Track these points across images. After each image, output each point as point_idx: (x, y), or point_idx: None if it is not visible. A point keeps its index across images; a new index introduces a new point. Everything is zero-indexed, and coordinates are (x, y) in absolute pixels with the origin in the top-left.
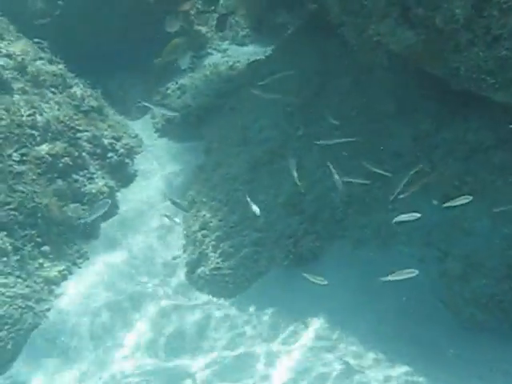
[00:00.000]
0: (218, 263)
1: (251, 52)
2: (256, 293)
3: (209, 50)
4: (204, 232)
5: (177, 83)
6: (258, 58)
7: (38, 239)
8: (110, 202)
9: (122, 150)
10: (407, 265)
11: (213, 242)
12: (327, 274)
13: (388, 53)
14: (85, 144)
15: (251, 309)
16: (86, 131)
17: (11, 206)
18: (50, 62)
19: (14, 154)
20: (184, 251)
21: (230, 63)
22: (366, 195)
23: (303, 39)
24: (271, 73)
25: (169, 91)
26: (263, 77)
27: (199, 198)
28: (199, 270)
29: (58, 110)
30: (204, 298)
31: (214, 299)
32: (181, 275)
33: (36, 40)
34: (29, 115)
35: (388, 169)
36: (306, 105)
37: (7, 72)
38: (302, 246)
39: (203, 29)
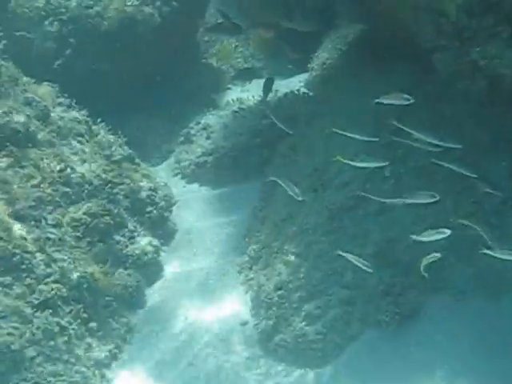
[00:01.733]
0: (301, 328)
1: (275, 85)
2: (350, 360)
3: (226, 85)
4: (281, 292)
5: (200, 123)
6: (287, 90)
7: (85, 314)
8: None
9: (162, 203)
10: None
11: (294, 304)
12: (432, 332)
13: (488, 78)
14: (122, 199)
15: (346, 381)
16: (122, 184)
17: (52, 279)
18: (70, 107)
19: (49, 217)
20: (253, 316)
21: (258, 98)
22: (467, 239)
23: (351, 68)
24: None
25: (192, 132)
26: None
27: (268, 253)
28: (278, 338)
29: (90, 162)
30: (284, 369)
31: (298, 371)
32: (252, 343)
33: (46, 83)
34: (60, 170)
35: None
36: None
37: (31, 122)
38: (401, 304)
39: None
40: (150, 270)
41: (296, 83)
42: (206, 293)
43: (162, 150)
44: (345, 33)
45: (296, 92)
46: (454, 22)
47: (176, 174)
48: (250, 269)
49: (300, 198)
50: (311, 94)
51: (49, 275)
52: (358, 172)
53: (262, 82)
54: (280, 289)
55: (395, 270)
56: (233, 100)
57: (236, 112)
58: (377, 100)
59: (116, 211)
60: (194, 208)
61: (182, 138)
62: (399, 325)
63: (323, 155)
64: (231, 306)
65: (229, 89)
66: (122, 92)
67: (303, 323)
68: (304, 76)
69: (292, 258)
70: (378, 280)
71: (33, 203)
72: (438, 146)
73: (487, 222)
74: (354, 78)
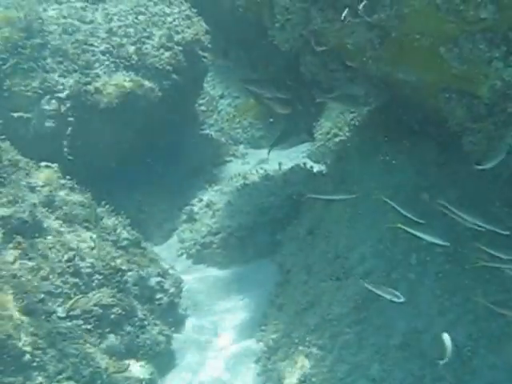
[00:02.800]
0: None
1: (276, 156)
2: None
3: (226, 158)
4: None
5: (202, 200)
6: (291, 163)
7: None
8: None
9: (171, 290)
10: None
11: None
12: None
13: None
14: (131, 287)
15: None
16: (131, 271)
17: (65, 375)
18: (73, 189)
19: (59, 310)
20: None
21: (262, 172)
22: (496, 328)
23: (368, 145)
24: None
25: (195, 209)
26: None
27: (288, 344)
28: None
29: (98, 249)
30: None
31: None
32: None
33: (45, 164)
34: (68, 260)
35: None
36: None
37: (37, 210)
38: None
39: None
40: (162, 360)
41: (298, 154)
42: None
43: (164, 229)
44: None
45: (302, 166)
46: (487, 105)
47: (181, 254)
48: (269, 359)
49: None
50: (323, 170)
51: (61, 372)
52: (382, 260)
53: (262, 152)
54: (303, 382)
55: (423, 362)
56: (236, 175)
57: (239, 189)
58: None
59: (126, 300)
60: (204, 292)
61: (184, 217)
62: None
63: (345, 241)
64: None
65: (229, 161)
66: (122, 169)
67: None
68: (306, 145)
69: (313, 349)
70: (406, 372)
71: (42, 296)
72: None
73: None
74: (373, 156)
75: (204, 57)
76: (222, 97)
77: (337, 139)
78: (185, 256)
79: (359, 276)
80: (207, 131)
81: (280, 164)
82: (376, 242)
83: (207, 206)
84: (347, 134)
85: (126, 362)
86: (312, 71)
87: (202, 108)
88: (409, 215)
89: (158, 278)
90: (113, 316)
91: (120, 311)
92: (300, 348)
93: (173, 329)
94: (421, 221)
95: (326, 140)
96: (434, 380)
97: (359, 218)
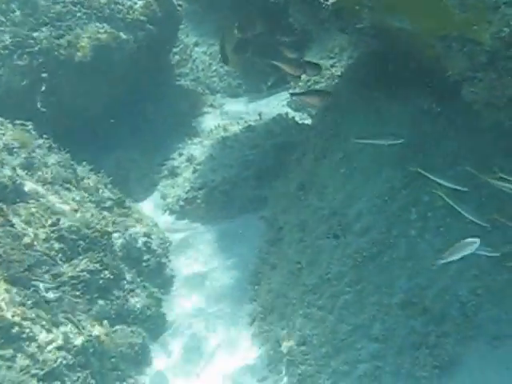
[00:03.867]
0: None
1: (255, 105)
2: None
3: (204, 109)
4: (304, 348)
5: (183, 154)
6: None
7: (92, 381)
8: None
9: (159, 250)
10: None
11: (320, 361)
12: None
13: None
14: (118, 249)
15: None
16: (117, 232)
17: (55, 345)
18: (50, 149)
19: (46, 278)
20: (272, 371)
21: (243, 123)
22: (500, 282)
23: (357, 94)
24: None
25: (176, 164)
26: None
27: (284, 304)
28: None
29: (82, 211)
30: None
31: None
32: None
33: (19, 122)
34: (52, 225)
35: None
36: (410, 179)
37: (18, 180)
38: (438, 356)
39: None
40: (153, 323)
41: (277, 103)
42: (215, 347)
43: (144, 185)
44: (329, 47)
45: (284, 115)
46: (490, 52)
47: (164, 211)
48: (264, 320)
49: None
50: (308, 121)
51: (51, 342)
52: (381, 215)
53: (240, 101)
54: (303, 344)
55: (426, 319)
56: (216, 127)
57: (221, 141)
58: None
59: (114, 264)
60: (189, 249)
61: (165, 172)
62: (438, 379)
63: (341, 197)
64: (245, 361)
65: (207, 113)
66: (98, 125)
67: (330, 380)
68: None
69: (314, 310)
70: (409, 330)
71: (28, 265)
72: None
73: None
74: (365, 105)
75: (179, 5)
76: (196, 45)
77: (318, 87)
78: (168, 212)
79: (357, 233)
80: (183, 81)
81: (260, 114)
82: (374, 197)
83: (188, 160)
84: (330, 82)
85: (117, 327)
86: (301, 21)
87: (177, 57)
88: (449, 185)
89: (145, 239)
90: (101, 281)
91: (108, 275)
92: (298, 309)
93: (162, 290)
94: (463, 188)
95: (306, 88)
96: (438, 337)
97: (355, 173)
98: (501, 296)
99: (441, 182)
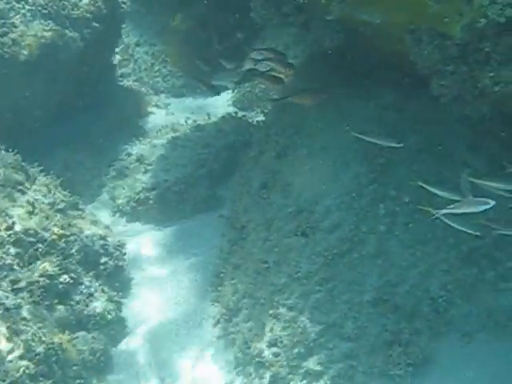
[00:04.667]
0: None
1: (200, 105)
2: None
3: (149, 109)
4: (275, 350)
5: (131, 154)
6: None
7: None
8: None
9: (116, 253)
10: None
11: (292, 362)
12: (446, 382)
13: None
14: (75, 253)
15: None
16: (74, 235)
17: (17, 354)
18: None
19: (3, 284)
20: (239, 374)
21: (191, 122)
22: (469, 276)
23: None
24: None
25: (125, 164)
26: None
27: (251, 305)
28: None
29: (37, 214)
30: None
31: None
32: None
33: None
34: (8, 228)
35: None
36: (378, 173)
37: None
38: (412, 354)
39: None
40: (113, 328)
41: (222, 102)
42: (179, 350)
43: (93, 186)
44: (273, 45)
45: (233, 114)
46: (460, 45)
47: (114, 213)
48: (229, 321)
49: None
50: (260, 119)
51: (12, 351)
52: (349, 212)
53: (185, 101)
54: (274, 345)
55: (398, 316)
56: (164, 127)
57: (171, 141)
58: None
59: (72, 268)
60: (145, 251)
61: (113, 173)
62: (412, 377)
63: (307, 194)
64: (211, 364)
65: (152, 113)
66: (45, 125)
67: (303, 382)
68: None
69: (285, 311)
70: (381, 328)
71: None
72: None
73: (488, 256)
74: (325, 101)
75: (123, 2)
76: (137, 44)
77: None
78: (118, 214)
79: (326, 230)
80: (125, 82)
81: (209, 114)
82: (341, 193)
83: (138, 160)
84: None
85: (78, 334)
86: (263, 16)
87: (118, 57)
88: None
89: (102, 241)
90: (60, 286)
91: (68, 280)
92: (267, 309)
93: (121, 294)
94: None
95: (252, 86)
96: (410, 334)
97: (321, 170)
98: (471, 291)
99: (440, 193)
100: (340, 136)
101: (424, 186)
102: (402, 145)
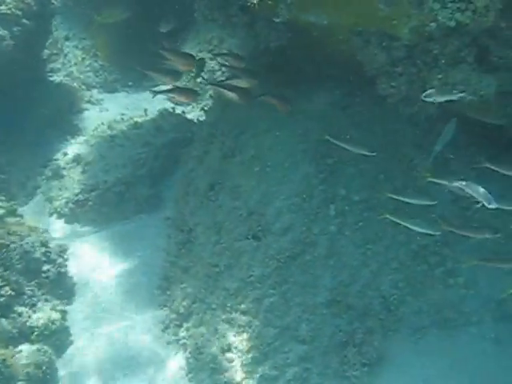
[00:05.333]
0: None
1: (135, 100)
2: None
3: (82, 105)
4: (229, 355)
5: (67, 154)
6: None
7: None
8: None
9: (58, 259)
10: (482, 352)
11: (247, 367)
12: (401, 380)
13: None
14: (16, 262)
15: None
16: (14, 243)
17: None
18: None
19: None
20: (192, 380)
21: (128, 119)
22: (419, 273)
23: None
24: None
25: (61, 164)
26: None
27: (202, 309)
28: None
29: None
30: None
31: None
32: None
33: None
34: None
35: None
36: (327, 173)
37: None
38: (366, 353)
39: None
40: (58, 338)
41: (159, 96)
42: (129, 357)
43: (28, 188)
44: (209, 37)
45: (171, 110)
46: (409, 47)
47: (51, 214)
48: (180, 326)
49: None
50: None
51: None
52: (300, 213)
53: (119, 96)
54: (228, 351)
55: (352, 316)
56: (99, 124)
57: (108, 140)
58: None
59: (13, 279)
60: (87, 255)
61: (49, 173)
62: (368, 377)
63: (257, 196)
64: (161, 371)
65: (86, 109)
66: None
67: None
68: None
69: (238, 315)
70: (335, 329)
71: None
72: None
73: (437, 253)
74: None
75: None
76: (67, 38)
77: (199, 79)
78: (55, 216)
79: (278, 233)
80: (56, 77)
81: (146, 110)
82: (291, 195)
83: (74, 160)
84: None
85: (22, 347)
86: (208, 16)
87: (47, 51)
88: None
89: (43, 249)
90: (2, 299)
91: (9, 292)
92: (220, 314)
93: (65, 301)
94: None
95: (187, 80)
96: (364, 334)
97: (269, 171)
98: (420, 287)
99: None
100: (287, 136)
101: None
102: (374, 154)
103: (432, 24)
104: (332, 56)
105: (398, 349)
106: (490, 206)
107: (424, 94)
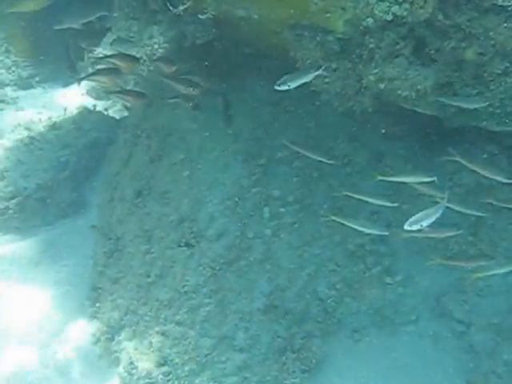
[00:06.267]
0: None
1: (52, 97)
2: None
3: None
4: (166, 369)
5: None
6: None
7: None
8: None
9: None
10: (421, 350)
11: (184, 380)
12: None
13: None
14: None
15: None
16: None
17: None
18: None
19: None
20: None
21: (46, 119)
22: (356, 274)
23: None
24: None
25: None
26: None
27: (134, 322)
28: None
29: None
30: None
31: None
32: None
33: None
34: None
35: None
36: (260, 174)
37: None
38: (305, 359)
39: None
40: None
41: (76, 91)
42: (59, 374)
43: None
44: (125, 26)
45: (91, 108)
46: (344, 40)
47: None
48: (111, 340)
49: None
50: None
51: None
52: (234, 217)
53: (35, 93)
54: (164, 364)
55: (289, 321)
56: (15, 126)
57: (26, 143)
58: None
59: None
60: (9, 264)
61: None
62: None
63: (188, 202)
64: None
65: (0, 110)
66: None
67: None
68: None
69: (173, 327)
70: (273, 335)
71: None
72: None
73: (376, 251)
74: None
75: None
76: None
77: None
78: None
79: (211, 239)
80: None
81: (65, 109)
82: (224, 198)
83: None
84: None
85: None
86: (128, 14)
87: None
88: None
89: None
90: None
91: None
92: (153, 326)
93: None
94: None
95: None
96: (302, 338)
97: (200, 175)
98: (358, 287)
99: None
100: (217, 136)
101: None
102: (332, 162)
103: (368, 20)
104: (263, 51)
105: (337, 352)
106: None
107: (277, 83)
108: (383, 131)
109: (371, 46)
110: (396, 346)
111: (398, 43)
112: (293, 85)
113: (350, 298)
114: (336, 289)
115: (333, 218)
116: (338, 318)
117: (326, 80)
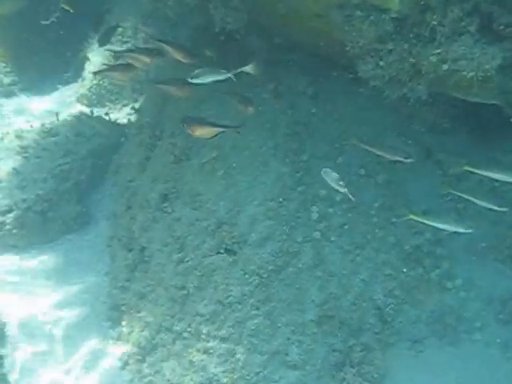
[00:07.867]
0: None
1: (38, 104)
2: None
3: None
4: None
5: None
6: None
7: None
8: None
9: None
10: (489, 360)
11: None
12: None
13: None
14: None
15: None
16: None
17: None
18: None
19: None
20: None
21: (40, 127)
22: (414, 278)
23: None
24: None
25: None
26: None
27: (169, 340)
28: None
29: None
30: None
31: None
32: None
33: None
34: None
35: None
36: (304, 171)
37: None
38: (366, 374)
39: None
40: None
41: (64, 98)
42: None
43: None
44: (119, 30)
45: (89, 113)
46: (400, 20)
47: None
48: (143, 362)
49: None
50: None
51: None
52: (278, 220)
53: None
54: None
55: (346, 333)
56: (4, 134)
57: (20, 152)
58: None
59: None
60: (17, 288)
61: None
62: None
63: (225, 204)
64: None
65: None
66: None
67: None
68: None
69: (217, 343)
70: (329, 348)
71: None
72: None
73: (433, 252)
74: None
75: None
76: None
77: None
78: None
79: (255, 245)
80: None
81: (57, 114)
82: (266, 199)
83: None
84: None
85: None
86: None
87: None
88: None
89: None
90: None
91: None
92: (193, 344)
93: None
94: None
95: (98, 79)
96: (361, 351)
97: (235, 174)
98: (416, 293)
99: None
100: (252, 131)
101: None
102: (411, 160)
103: None
104: (295, 40)
105: (397, 365)
106: None
107: (191, 76)
108: (431, 124)
109: (433, 23)
110: (461, 356)
111: (462, 20)
112: (205, 80)
113: (410, 305)
114: (394, 295)
115: (412, 217)
116: (397, 328)
117: (381, 64)
